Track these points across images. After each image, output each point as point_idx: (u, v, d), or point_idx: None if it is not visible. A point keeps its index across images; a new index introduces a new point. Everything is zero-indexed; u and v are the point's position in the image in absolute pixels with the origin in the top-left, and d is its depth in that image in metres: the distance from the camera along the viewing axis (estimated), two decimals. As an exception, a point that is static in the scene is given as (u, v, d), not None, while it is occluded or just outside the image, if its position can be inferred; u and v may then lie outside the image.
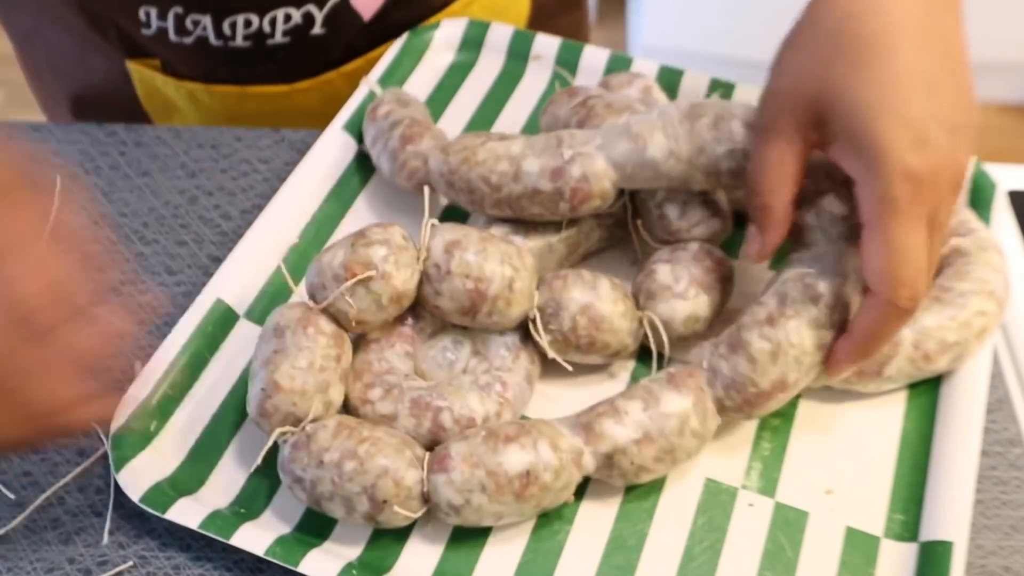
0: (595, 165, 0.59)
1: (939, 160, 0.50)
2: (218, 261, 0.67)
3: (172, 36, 0.75)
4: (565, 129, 0.62)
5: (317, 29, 0.76)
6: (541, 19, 0.87)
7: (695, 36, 1.93)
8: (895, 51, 0.51)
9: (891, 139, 0.49)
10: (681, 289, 0.58)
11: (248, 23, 0.74)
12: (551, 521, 0.55)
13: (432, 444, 0.54)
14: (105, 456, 0.58)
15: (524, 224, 0.62)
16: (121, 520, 0.56)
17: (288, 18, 0.75)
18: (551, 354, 0.58)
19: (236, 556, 0.54)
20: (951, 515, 0.53)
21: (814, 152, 0.55)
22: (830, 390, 0.59)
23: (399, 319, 0.58)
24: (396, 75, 0.75)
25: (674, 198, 0.61)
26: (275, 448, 0.55)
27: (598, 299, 0.57)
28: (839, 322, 0.54)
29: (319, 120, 0.73)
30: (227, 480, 0.56)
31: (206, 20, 0.74)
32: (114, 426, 0.56)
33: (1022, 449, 0.58)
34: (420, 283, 0.56)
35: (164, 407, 0.58)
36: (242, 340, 0.62)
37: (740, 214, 0.62)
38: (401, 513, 0.51)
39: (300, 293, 0.62)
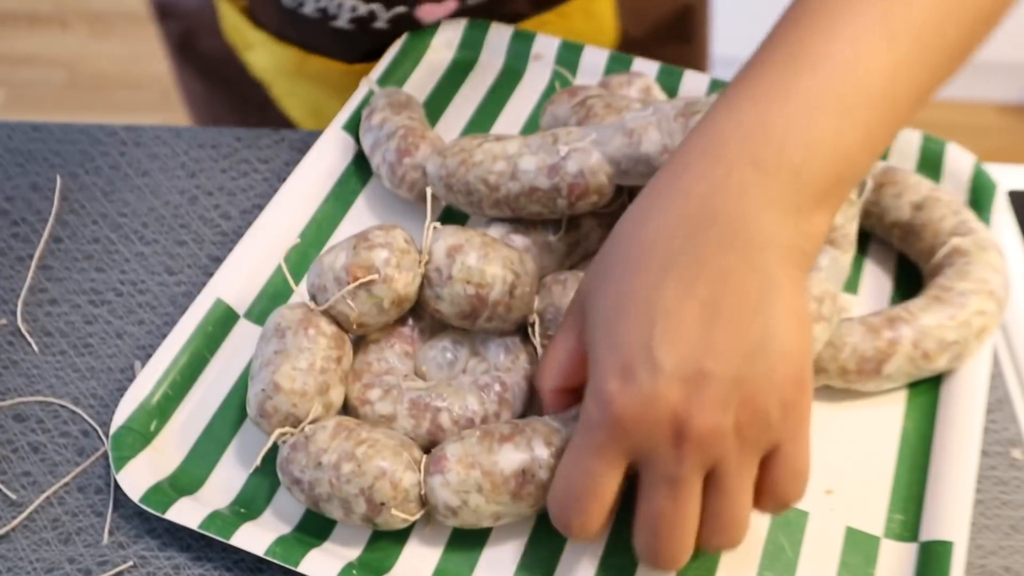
0: (590, 160, 0.59)
1: (642, 398, 0.45)
2: (218, 261, 0.67)
3: None
4: (561, 127, 0.62)
5: (380, 24, 0.78)
6: (631, 50, 0.81)
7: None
8: (636, 273, 0.48)
9: (601, 360, 0.47)
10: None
11: None
12: (551, 521, 0.55)
13: (431, 445, 0.54)
14: (105, 456, 0.58)
15: (523, 224, 0.62)
16: (121, 520, 0.56)
17: (354, 9, 0.77)
18: (551, 354, 0.58)
19: (236, 556, 0.54)
20: (951, 515, 0.53)
21: None
22: (830, 390, 0.59)
23: (399, 320, 0.58)
24: (396, 75, 0.75)
25: (674, 198, 0.61)
26: (275, 448, 0.55)
27: (598, 299, 0.57)
28: None
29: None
30: (227, 480, 0.56)
31: None
32: (114, 426, 0.56)
33: (1022, 449, 0.58)
34: (421, 286, 0.56)
35: (164, 407, 0.58)
36: (242, 340, 0.62)
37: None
38: (399, 516, 0.51)
39: (301, 293, 0.62)
